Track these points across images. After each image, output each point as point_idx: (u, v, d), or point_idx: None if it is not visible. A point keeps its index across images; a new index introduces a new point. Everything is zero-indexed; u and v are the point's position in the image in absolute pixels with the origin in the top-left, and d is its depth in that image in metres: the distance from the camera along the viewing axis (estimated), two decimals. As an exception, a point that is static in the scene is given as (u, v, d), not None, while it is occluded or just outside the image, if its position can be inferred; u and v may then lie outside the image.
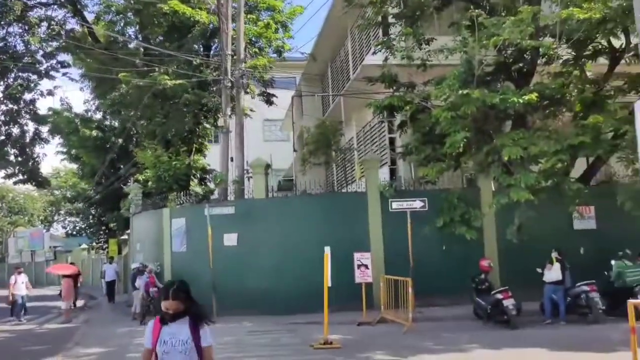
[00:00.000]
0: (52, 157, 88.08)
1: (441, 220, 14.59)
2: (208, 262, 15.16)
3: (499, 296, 12.40)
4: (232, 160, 17.40)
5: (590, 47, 15.23)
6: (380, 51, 15.92)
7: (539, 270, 13.41)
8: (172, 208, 17.27)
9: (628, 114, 12.94)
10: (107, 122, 27.64)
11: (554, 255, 12.88)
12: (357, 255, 13.97)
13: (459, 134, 12.69)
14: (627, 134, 12.33)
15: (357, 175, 15.24)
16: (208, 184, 19.20)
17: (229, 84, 16.71)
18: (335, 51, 23.77)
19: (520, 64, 15.05)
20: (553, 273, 12.83)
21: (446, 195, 15.02)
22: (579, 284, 12.75)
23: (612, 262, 13.20)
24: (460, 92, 12.55)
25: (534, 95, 12.80)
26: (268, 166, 16.04)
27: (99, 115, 27.77)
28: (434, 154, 14.99)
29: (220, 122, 16.28)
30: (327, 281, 10.68)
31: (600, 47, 15.25)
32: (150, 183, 19.45)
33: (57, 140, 29.63)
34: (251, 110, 23.06)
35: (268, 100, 22.52)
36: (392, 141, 17.81)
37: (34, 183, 27.15)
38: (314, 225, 15.41)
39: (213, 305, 14.98)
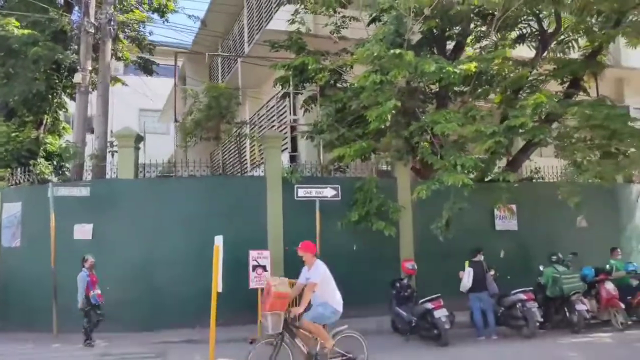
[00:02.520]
0: None
1: (356, 213, 12.01)
2: (50, 261, 11.26)
3: (429, 306, 10.05)
4: (92, 132, 13.54)
5: (519, 28, 13.79)
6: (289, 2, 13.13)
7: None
8: (3, 189, 12.98)
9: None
10: None
11: (478, 258, 10.89)
12: (253, 254, 10.94)
13: (388, 103, 10.23)
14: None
15: (257, 153, 12.22)
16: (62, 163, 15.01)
17: (92, 29, 12.86)
18: (228, 27, 20.56)
19: (451, 35, 13.07)
20: (465, 279, 10.78)
21: (362, 183, 12.50)
22: (514, 291, 10.83)
23: (541, 267, 11.50)
24: (392, 51, 10.12)
25: (472, 65, 10.77)
26: (140, 138, 12.45)
27: None
28: (350, 134, 12.44)
29: (76, 79, 12.45)
30: (217, 285, 7.55)
31: (530, 29, 13.86)
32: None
33: None
34: (123, 83, 19.13)
35: (146, 67, 18.68)
36: (293, 129, 14.99)
37: None
38: (197, 216, 12.11)
39: (53, 319, 11.10)
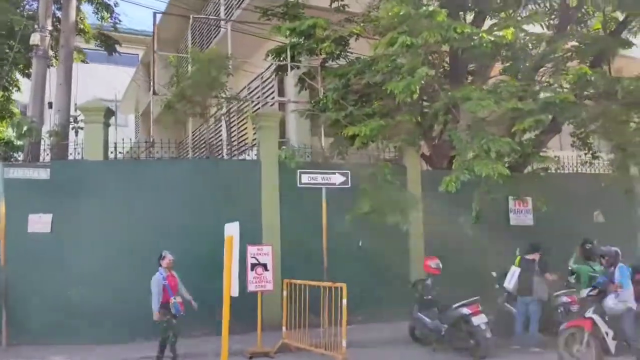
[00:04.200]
0: None
1: (366, 204, 10.35)
2: (-4, 258, 9.17)
3: (465, 311, 8.49)
4: (50, 106, 11.39)
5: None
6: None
7: (495, 274, 9.93)
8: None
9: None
10: None
11: (533, 256, 9.37)
12: (251, 250, 9.13)
13: (419, 71, 8.62)
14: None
15: (250, 134, 10.39)
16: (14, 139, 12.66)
17: (53, -19, 10.75)
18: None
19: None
20: (507, 279, 9.36)
21: (373, 170, 10.86)
22: (556, 293, 9.44)
23: (573, 265, 10.13)
24: (424, 8, 8.53)
25: (509, 32, 9.32)
26: (110, 112, 10.40)
27: None
28: (358, 113, 10.78)
29: (33, 40, 10.30)
30: (230, 287, 5.74)
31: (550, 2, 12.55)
32: None
33: None
34: (84, 60, 16.87)
35: (108, 45, 16.45)
36: (281, 107, 13.21)
37: None
38: (178, 206, 10.23)
39: (2, 329, 9.02)
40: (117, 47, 16.76)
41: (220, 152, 11.47)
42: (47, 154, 10.26)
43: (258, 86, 13.17)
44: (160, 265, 8.27)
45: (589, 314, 7.26)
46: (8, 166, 9.14)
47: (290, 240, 10.61)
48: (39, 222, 9.90)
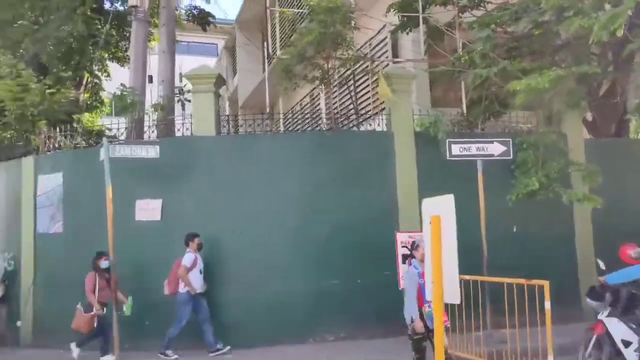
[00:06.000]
0: None
1: (534, 179, 8.29)
2: (105, 252, 7.89)
3: None
4: (150, 80, 10.11)
5: None
6: None
7: None
8: (38, 157, 9.70)
9: None
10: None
11: None
12: (401, 238, 7.40)
13: (627, 1, 6.50)
14: None
15: (384, 93, 8.56)
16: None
17: None
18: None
19: None
20: None
21: (534, 139, 8.81)
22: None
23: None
24: None
25: None
26: (221, 80, 8.95)
27: None
28: (512, 68, 8.72)
29: (132, 1, 9.00)
30: (441, 288, 3.95)
31: None
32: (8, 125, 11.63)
33: None
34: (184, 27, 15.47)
35: (202, 21, 15.08)
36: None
37: None
38: (301, 187, 8.65)
39: (114, 333, 7.77)
40: (193, 38, 15.38)
41: (340, 122, 9.73)
42: (153, 131, 8.95)
43: (378, 44, 11.32)
44: (413, 257, 6.04)
45: (601, 315, 6.01)
46: (112, 142, 7.82)
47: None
48: (148, 209, 8.64)
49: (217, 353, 7.82)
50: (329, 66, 8.91)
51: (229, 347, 7.86)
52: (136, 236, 8.49)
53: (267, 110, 9.33)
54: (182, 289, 7.86)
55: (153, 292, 8.19)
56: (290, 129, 11.39)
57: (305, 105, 11.99)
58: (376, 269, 8.52)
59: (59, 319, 8.93)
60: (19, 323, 9.19)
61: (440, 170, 8.79)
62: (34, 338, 9.20)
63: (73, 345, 7.78)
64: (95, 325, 7.68)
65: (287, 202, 8.55)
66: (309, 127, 10.24)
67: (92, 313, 7.65)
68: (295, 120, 11.13)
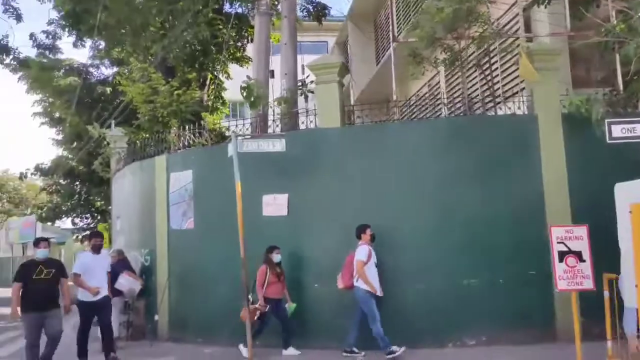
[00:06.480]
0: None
1: None
2: (235, 249, 7.76)
3: None
4: (271, 75, 9.98)
5: None
6: None
7: None
8: (170, 155, 9.97)
9: None
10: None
11: None
12: (557, 233, 6.46)
13: None
14: None
15: (527, 73, 7.63)
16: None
17: None
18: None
19: None
20: None
21: None
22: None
23: None
24: None
25: None
26: (345, 69, 8.58)
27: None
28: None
29: (254, -7, 8.95)
30: None
31: None
32: (141, 126, 12.24)
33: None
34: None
35: (319, 14, 14.86)
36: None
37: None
38: (435, 177, 8.00)
39: (247, 329, 7.64)
40: (302, 37, 15.15)
41: (474, 107, 8.89)
42: (277, 125, 8.79)
43: (508, 22, 10.30)
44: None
45: None
46: (240, 137, 7.71)
47: (584, 219, 7.67)
48: (274, 204, 8.49)
49: (350, 355, 7.43)
50: (461, 46, 8.16)
51: (363, 353, 7.41)
52: (264, 232, 8.36)
53: (394, 97, 8.76)
54: (360, 284, 7.33)
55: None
56: (411, 118, 10.73)
57: (431, 89, 11.20)
58: (520, 268, 7.71)
59: (193, 313, 9.14)
60: (156, 317, 9.47)
61: (593, 156, 7.76)
62: (170, 332, 9.44)
63: (241, 347, 7.72)
64: (255, 318, 7.54)
65: (421, 196, 7.95)
66: (430, 115, 9.52)
67: (255, 306, 7.55)
68: (419, 107, 10.39)
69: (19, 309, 6.74)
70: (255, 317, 7.56)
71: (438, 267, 7.78)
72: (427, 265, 7.79)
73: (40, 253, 6.97)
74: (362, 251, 7.32)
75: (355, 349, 7.43)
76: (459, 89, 10.14)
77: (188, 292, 9.27)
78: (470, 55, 8.89)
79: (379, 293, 7.38)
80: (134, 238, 10.69)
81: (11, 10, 15.36)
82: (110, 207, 15.88)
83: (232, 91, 17.36)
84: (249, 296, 7.62)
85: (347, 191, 8.17)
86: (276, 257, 7.77)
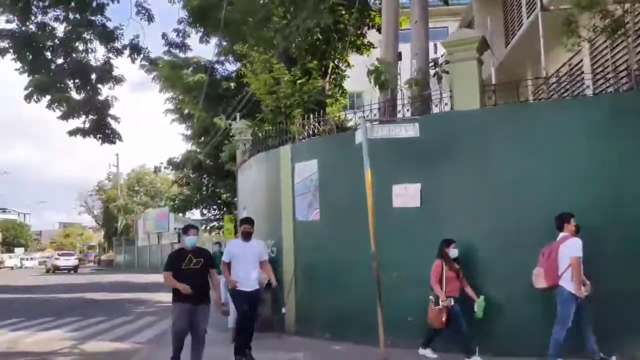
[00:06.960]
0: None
1: None
2: (364, 242, 7.28)
3: None
4: (400, 57, 9.34)
5: None
6: None
7: None
8: (294, 145, 9.73)
9: None
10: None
11: None
12: None
13: None
14: None
15: None
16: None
17: None
18: None
19: None
20: None
21: None
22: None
23: None
24: None
25: None
26: (485, 43, 7.71)
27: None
28: None
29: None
30: None
31: None
32: (266, 117, 12.18)
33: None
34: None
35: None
36: None
37: (98, 136, 17.71)
38: (596, 164, 6.87)
39: (379, 328, 7.11)
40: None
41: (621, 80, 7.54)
42: (407, 109, 8.14)
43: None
44: None
45: None
46: (371, 122, 7.17)
47: None
48: (405, 195, 7.87)
49: None
50: (625, 10, 6.93)
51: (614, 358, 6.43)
52: (394, 225, 7.79)
53: (543, 73, 7.72)
54: (565, 283, 6.21)
55: (417, 284, 7.37)
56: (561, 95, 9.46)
57: (571, 68, 9.84)
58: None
59: (320, 308, 8.83)
60: (283, 310, 9.29)
61: None
62: (297, 325, 9.22)
63: (421, 350, 7.16)
64: (444, 319, 6.85)
65: (579, 186, 6.85)
66: (577, 93, 8.25)
67: (440, 306, 6.88)
68: (565, 84, 9.06)
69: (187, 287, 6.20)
70: (443, 319, 6.85)
71: (595, 269, 6.60)
72: (615, 261, 6.61)
73: (190, 240, 6.58)
74: (576, 245, 6.14)
75: (602, 354, 6.26)
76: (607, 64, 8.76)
77: (315, 286, 8.98)
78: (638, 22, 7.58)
79: (586, 293, 6.23)
80: (260, 229, 10.54)
81: (143, 11, 16.11)
82: (235, 199, 16.24)
83: (349, 81, 16.97)
84: (430, 297, 7.02)
85: (490, 181, 7.32)
86: (453, 252, 7.01)
